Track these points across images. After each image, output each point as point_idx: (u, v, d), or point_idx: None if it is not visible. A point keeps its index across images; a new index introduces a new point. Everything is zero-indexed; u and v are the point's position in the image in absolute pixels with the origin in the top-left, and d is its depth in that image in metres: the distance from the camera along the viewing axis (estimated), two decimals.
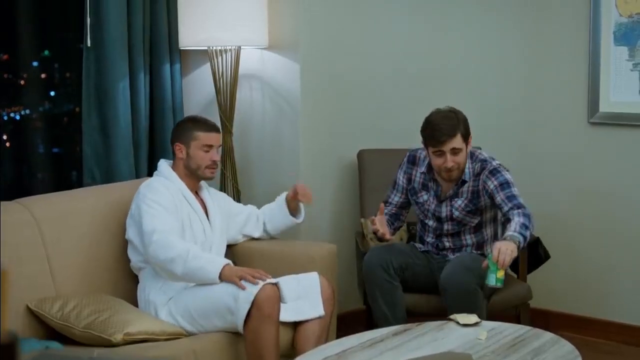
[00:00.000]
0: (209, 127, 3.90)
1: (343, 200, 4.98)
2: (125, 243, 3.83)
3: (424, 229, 4.25)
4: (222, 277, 3.54)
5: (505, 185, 3.96)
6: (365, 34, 4.96)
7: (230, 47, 4.47)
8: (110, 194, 3.95)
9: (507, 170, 4.05)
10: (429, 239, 4.21)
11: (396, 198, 4.26)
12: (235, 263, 3.79)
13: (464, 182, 4.05)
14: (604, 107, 4.79)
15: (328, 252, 4.10)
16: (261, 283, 3.48)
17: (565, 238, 4.94)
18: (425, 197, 4.15)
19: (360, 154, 4.89)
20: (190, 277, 3.60)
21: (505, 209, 3.92)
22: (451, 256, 4.13)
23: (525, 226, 3.78)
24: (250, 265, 3.84)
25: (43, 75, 4.53)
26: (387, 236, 4.03)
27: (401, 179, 4.23)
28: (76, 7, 4.34)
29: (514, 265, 4.40)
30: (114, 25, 4.23)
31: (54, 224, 3.64)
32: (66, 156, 4.63)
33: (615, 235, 4.86)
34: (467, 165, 4.03)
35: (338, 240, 4.74)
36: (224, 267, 3.56)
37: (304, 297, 3.71)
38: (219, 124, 4.48)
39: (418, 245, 4.27)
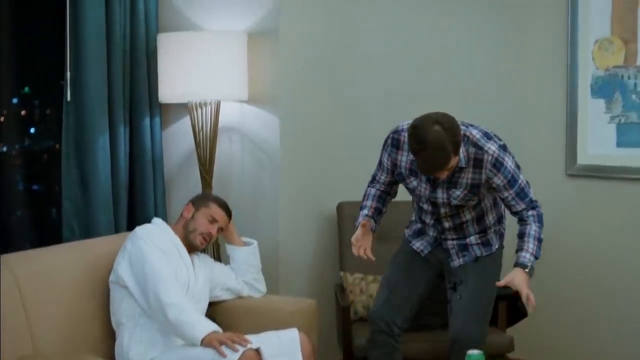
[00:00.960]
0: (223, 206, 4.05)
1: (322, 254, 4.98)
2: (105, 300, 3.80)
3: (420, 210, 4.03)
4: (204, 341, 3.52)
5: (512, 181, 3.73)
6: (342, 89, 4.99)
7: (210, 101, 4.48)
8: (89, 250, 3.93)
9: (507, 152, 3.75)
10: (427, 219, 4.00)
11: (383, 177, 4.03)
12: (216, 319, 3.79)
13: (460, 168, 3.73)
14: (582, 159, 4.84)
15: (308, 308, 4.10)
16: (241, 350, 3.48)
17: (543, 291, 4.94)
18: (415, 183, 3.87)
19: (340, 207, 4.90)
20: (177, 327, 3.59)
21: (518, 208, 3.80)
22: (452, 241, 3.97)
23: (540, 241, 3.77)
24: (231, 321, 3.87)
25: (23, 112, 4.52)
26: (372, 258, 3.94)
27: (386, 161, 3.94)
28: (56, 43, 4.33)
29: (494, 317, 4.41)
30: (94, 80, 4.23)
31: (33, 281, 3.60)
32: (45, 193, 4.61)
33: (594, 287, 4.87)
34: (461, 151, 3.67)
35: (317, 293, 4.75)
36: (211, 331, 3.55)
37: (284, 353, 3.69)
38: (198, 177, 4.51)
39: (416, 245, 4.09)
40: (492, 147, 3.69)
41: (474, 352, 3.28)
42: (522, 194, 3.77)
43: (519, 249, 3.77)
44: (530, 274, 3.71)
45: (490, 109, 5.12)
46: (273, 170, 4.64)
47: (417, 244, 4.09)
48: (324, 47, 4.91)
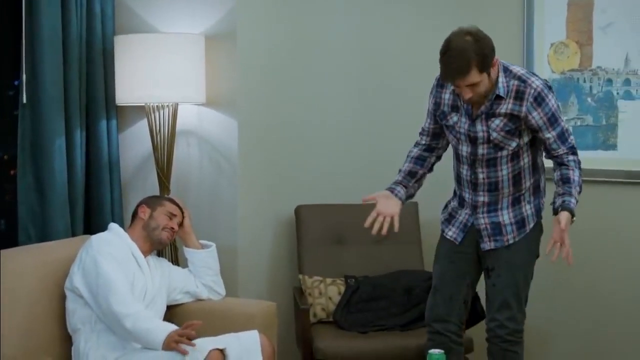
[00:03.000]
0: (176, 204, 4.10)
1: (281, 256, 4.98)
2: (63, 303, 3.76)
3: (458, 162, 3.88)
4: (164, 344, 3.51)
5: (553, 119, 3.64)
6: (302, 90, 5.00)
7: (167, 104, 4.45)
8: (47, 253, 3.89)
9: (551, 91, 3.67)
10: (464, 171, 3.83)
11: (427, 124, 3.96)
12: (175, 322, 3.76)
13: (498, 97, 3.64)
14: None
15: (267, 310, 4.09)
16: (206, 351, 3.48)
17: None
18: (455, 118, 3.77)
19: (298, 210, 4.91)
20: (136, 335, 3.58)
21: (560, 152, 3.71)
22: (485, 217, 3.83)
23: (581, 188, 3.69)
24: None
25: None
26: (396, 225, 3.87)
27: (431, 104, 3.88)
28: (8, 53, 4.27)
29: None
30: (50, 82, 4.18)
31: None
32: None
33: (558, 295, 4.90)
34: (499, 80, 3.63)
35: (276, 296, 4.74)
36: (169, 332, 3.54)
37: (245, 355, 3.68)
38: (156, 180, 4.49)
39: (449, 233, 3.95)
40: (536, 82, 3.64)
41: (435, 351, 3.29)
42: (563, 136, 3.69)
43: (565, 193, 3.66)
44: (574, 221, 3.62)
45: None
46: (231, 173, 4.62)
47: (450, 232, 3.95)
48: (283, 50, 4.91)
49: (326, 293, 4.61)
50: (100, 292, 3.63)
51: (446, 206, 4.05)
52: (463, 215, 3.92)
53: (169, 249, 4.46)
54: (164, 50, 4.35)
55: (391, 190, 3.95)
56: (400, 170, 4.03)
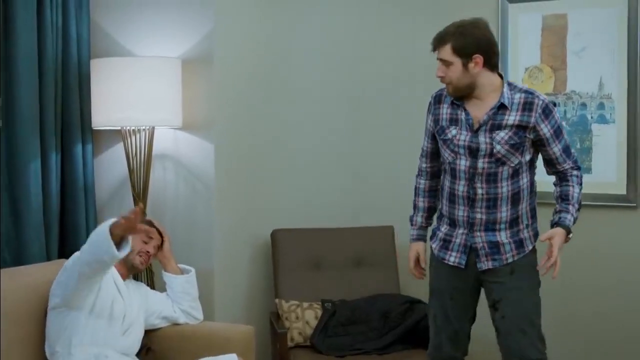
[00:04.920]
0: (154, 226, 4.08)
1: (257, 280, 4.97)
2: (40, 327, 3.73)
3: (452, 180, 3.75)
4: (111, 230, 3.41)
5: (558, 131, 3.66)
6: (278, 114, 5.02)
7: (143, 127, 4.44)
8: (22, 277, 3.85)
9: (555, 105, 3.72)
10: (460, 187, 3.71)
11: (425, 145, 3.92)
12: (152, 347, 3.75)
13: (502, 107, 3.61)
14: None
15: (246, 334, 4.07)
16: None
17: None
18: (454, 131, 3.70)
19: (274, 234, 4.90)
20: (89, 256, 3.51)
21: (565, 166, 3.71)
22: (482, 235, 3.71)
23: (580, 205, 3.69)
24: (168, 348, 3.88)
25: None
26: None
27: (429, 122, 3.84)
28: None
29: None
30: (25, 105, 4.15)
31: None
32: None
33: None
34: (504, 90, 3.62)
35: (252, 320, 4.73)
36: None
37: None
38: (131, 204, 4.46)
39: (451, 259, 3.78)
40: (542, 96, 3.66)
41: None
42: (568, 150, 3.71)
43: (562, 210, 3.67)
44: (569, 239, 3.63)
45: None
46: (207, 197, 4.60)
47: (452, 258, 3.78)
48: (259, 74, 4.92)
49: (303, 317, 4.60)
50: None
51: (434, 234, 3.89)
52: (460, 236, 3.77)
53: (145, 273, 4.42)
54: (140, 73, 4.33)
55: (423, 239, 4.01)
56: (417, 207, 4.00)
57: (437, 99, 3.82)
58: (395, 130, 5.16)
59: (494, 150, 3.62)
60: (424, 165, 3.96)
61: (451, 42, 3.58)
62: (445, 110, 3.76)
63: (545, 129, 3.62)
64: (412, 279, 4.99)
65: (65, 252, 4.42)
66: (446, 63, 3.60)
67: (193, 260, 4.42)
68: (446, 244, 3.80)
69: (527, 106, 3.61)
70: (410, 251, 3.99)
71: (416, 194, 4.00)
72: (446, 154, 3.75)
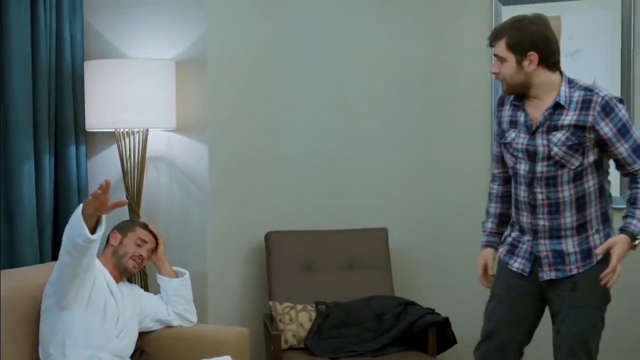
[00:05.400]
0: (148, 229, 4.05)
1: (251, 283, 4.97)
2: (33, 329, 3.72)
3: (516, 184, 3.58)
4: (83, 210, 3.43)
5: (624, 130, 3.40)
6: (272, 116, 5.02)
7: (137, 129, 4.43)
8: (16, 279, 3.83)
9: (621, 101, 3.45)
10: (522, 192, 3.54)
11: (496, 148, 3.73)
12: (146, 349, 3.74)
13: (558, 106, 3.44)
14: None
15: (240, 336, 4.06)
16: None
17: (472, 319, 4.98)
18: (513, 134, 3.53)
19: (268, 236, 4.90)
20: (68, 240, 3.53)
21: (636, 167, 3.43)
22: (546, 243, 3.52)
23: None
24: (162, 350, 3.88)
25: None
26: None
27: (496, 127, 3.68)
28: None
29: (424, 344, 4.44)
30: (19, 107, 4.15)
31: None
32: None
33: None
34: (561, 88, 3.44)
35: (246, 322, 4.73)
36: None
37: None
38: (126, 206, 4.44)
39: (515, 265, 3.61)
40: (603, 92, 3.43)
41: None
42: (638, 150, 3.43)
43: (628, 215, 3.41)
44: (635, 246, 3.38)
45: (417, 136, 5.16)
46: (201, 199, 4.60)
47: (516, 264, 3.62)
48: (253, 76, 4.92)
49: (297, 319, 4.59)
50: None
51: (504, 239, 3.73)
52: (526, 243, 3.60)
53: (138, 275, 4.42)
54: (134, 75, 4.33)
55: (492, 246, 3.77)
56: (488, 213, 3.81)
57: (500, 101, 3.66)
58: (389, 132, 5.16)
59: (552, 153, 3.44)
60: (495, 170, 3.79)
61: (506, 37, 3.42)
62: (506, 113, 3.60)
63: (606, 128, 3.39)
64: (406, 281, 5.05)
65: (58, 254, 4.41)
66: (501, 59, 3.45)
67: (187, 262, 4.41)
68: (513, 248, 3.65)
69: (585, 104, 3.40)
70: (479, 258, 3.78)
71: (489, 199, 3.81)
72: (507, 158, 3.62)
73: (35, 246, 4.25)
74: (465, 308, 4.95)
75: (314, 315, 4.62)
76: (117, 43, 4.66)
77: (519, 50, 3.41)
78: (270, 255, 4.86)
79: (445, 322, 4.50)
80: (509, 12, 4.83)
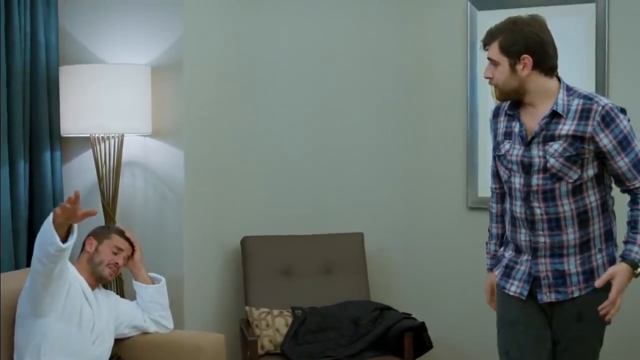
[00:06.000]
0: (124, 236, 4.04)
1: (227, 288, 4.96)
2: (9, 335, 3.70)
3: (511, 199, 3.36)
4: (53, 219, 3.45)
5: (625, 142, 3.17)
6: (248, 121, 5.02)
7: (113, 135, 4.41)
8: None
9: (623, 111, 3.22)
10: (518, 207, 3.31)
11: (493, 162, 3.49)
12: (123, 356, 3.72)
13: (555, 115, 3.22)
14: (482, 192, 4.88)
15: (216, 342, 4.06)
16: None
17: (448, 323, 4.99)
18: (508, 146, 3.31)
19: (244, 241, 4.90)
20: (39, 249, 3.53)
21: (636, 183, 3.21)
22: (546, 262, 3.28)
23: None
24: (139, 357, 3.86)
25: None
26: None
27: (492, 140, 3.46)
28: None
29: (400, 349, 4.44)
30: None
31: None
32: None
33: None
34: (559, 96, 3.23)
35: (222, 328, 4.72)
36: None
37: None
38: (101, 212, 4.43)
39: (512, 289, 3.36)
40: (604, 100, 3.21)
41: None
42: (639, 165, 3.21)
43: (628, 241, 3.19)
44: (638, 274, 3.16)
45: (393, 140, 5.16)
46: (177, 204, 4.59)
47: (513, 287, 3.38)
48: (228, 81, 4.92)
49: (273, 325, 4.59)
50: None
51: (499, 260, 3.48)
52: (524, 263, 3.36)
53: (114, 282, 4.40)
54: (109, 80, 4.32)
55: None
56: (490, 234, 3.59)
57: (495, 112, 3.46)
58: (366, 137, 5.16)
59: (548, 165, 3.22)
60: (493, 186, 3.57)
61: (499, 40, 3.23)
62: (501, 125, 3.40)
63: (606, 140, 3.17)
64: (382, 286, 5.05)
65: None
66: (494, 63, 3.26)
67: (163, 267, 4.41)
68: (508, 270, 3.40)
69: (585, 114, 3.19)
70: (486, 282, 3.61)
71: (490, 219, 3.59)
72: (501, 171, 3.40)
73: (10, 252, 4.23)
74: (441, 312, 4.97)
75: (290, 320, 4.61)
76: (92, 48, 4.64)
77: (512, 53, 3.22)
78: (246, 261, 4.86)
79: (421, 326, 4.51)
80: (483, 17, 4.86)
